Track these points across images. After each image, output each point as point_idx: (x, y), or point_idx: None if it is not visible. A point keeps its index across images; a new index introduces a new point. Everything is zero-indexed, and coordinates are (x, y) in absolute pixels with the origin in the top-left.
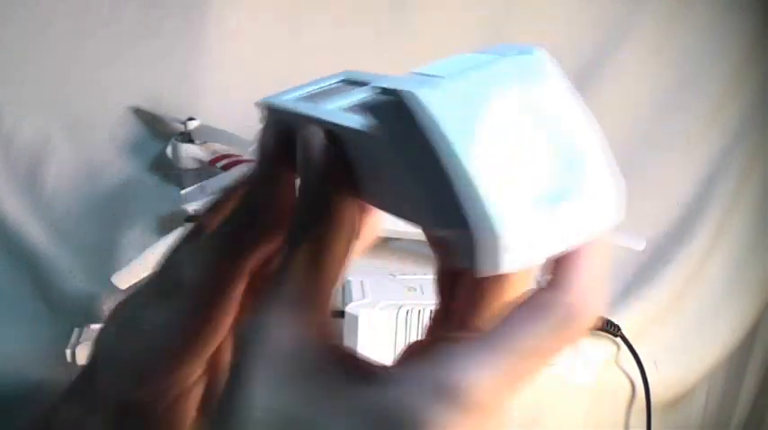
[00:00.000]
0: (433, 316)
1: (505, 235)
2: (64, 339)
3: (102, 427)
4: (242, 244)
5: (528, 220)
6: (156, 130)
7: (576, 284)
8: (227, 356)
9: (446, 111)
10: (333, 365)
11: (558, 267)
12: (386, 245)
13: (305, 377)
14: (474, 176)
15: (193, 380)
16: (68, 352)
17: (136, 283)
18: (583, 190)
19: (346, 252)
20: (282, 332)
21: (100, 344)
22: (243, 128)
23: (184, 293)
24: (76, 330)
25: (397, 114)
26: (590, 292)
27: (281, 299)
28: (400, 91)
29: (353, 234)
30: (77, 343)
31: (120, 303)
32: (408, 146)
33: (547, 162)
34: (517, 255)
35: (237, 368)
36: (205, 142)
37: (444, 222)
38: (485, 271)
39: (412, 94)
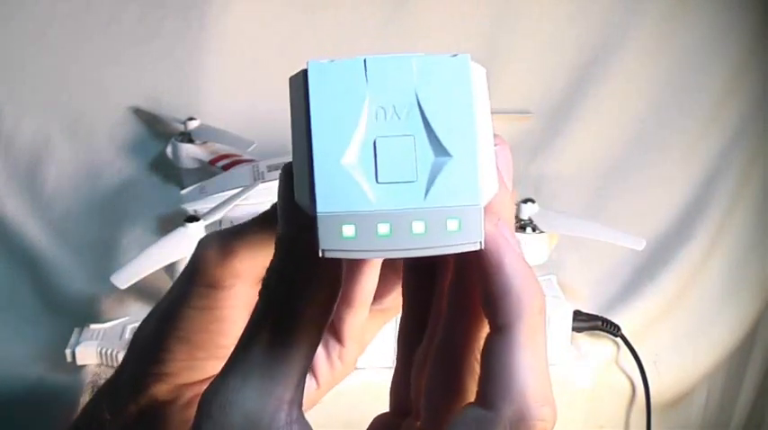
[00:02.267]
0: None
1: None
2: (64, 339)
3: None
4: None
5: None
6: (156, 130)
7: (510, 393)
8: None
9: (326, 83)
10: None
11: (484, 372)
12: None
13: None
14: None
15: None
16: (68, 352)
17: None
18: (435, 180)
19: (324, 314)
20: (237, 402)
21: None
22: (243, 128)
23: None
24: (76, 330)
25: (304, 82)
26: (530, 398)
27: (243, 364)
28: (308, 62)
29: (333, 295)
30: (77, 343)
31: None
32: (297, 115)
33: (411, 141)
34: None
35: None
36: (205, 142)
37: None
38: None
39: (310, 63)
